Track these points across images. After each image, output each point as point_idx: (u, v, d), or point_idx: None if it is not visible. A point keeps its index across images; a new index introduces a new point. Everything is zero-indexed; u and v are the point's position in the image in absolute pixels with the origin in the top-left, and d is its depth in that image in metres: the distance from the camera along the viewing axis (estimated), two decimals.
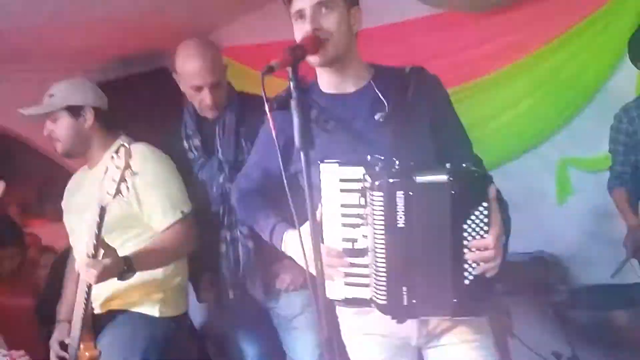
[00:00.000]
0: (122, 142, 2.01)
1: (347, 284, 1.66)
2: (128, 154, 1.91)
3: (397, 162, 1.58)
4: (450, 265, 1.56)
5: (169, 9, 3.54)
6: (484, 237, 1.55)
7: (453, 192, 1.53)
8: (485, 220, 1.54)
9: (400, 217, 1.56)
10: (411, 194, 1.55)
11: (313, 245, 1.51)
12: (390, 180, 1.55)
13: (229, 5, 3.91)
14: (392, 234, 1.56)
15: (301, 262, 1.60)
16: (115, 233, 2.27)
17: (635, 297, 2.77)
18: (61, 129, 2.38)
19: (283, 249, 1.81)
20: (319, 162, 1.63)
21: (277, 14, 2.00)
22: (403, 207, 1.55)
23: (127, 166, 1.91)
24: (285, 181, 1.52)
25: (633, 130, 2.73)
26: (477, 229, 1.55)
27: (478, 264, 1.56)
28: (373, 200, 1.56)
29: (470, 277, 1.56)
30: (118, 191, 1.94)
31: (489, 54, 3.44)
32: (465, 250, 1.55)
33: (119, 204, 2.16)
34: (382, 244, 1.57)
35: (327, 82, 1.81)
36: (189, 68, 2.41)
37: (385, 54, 3.17)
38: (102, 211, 2.00)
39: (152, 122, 2.86)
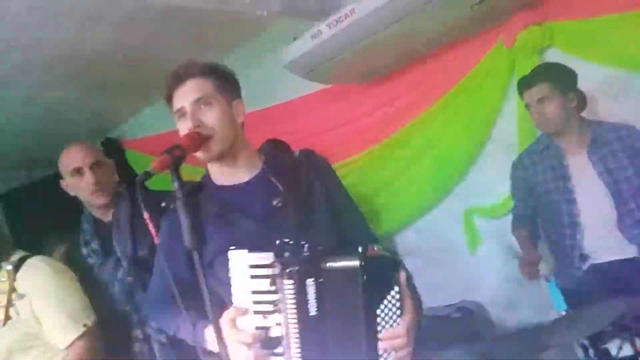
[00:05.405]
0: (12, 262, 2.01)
1: None
2: (11, 277, 1.89)
3: (305, 246, 1.53)
4: (365, 353, 1.51)
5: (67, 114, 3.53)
6: (398, 323, 1.54)
7: (365, 277, 1.50)
8: (398, 304, 1.54)
9: (312, 306, 1.52)
10: (321, 280, 1.52)
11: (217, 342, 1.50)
12: (300, 268, 1.50)
13: (125, 105, 3.94)
14: (305, 322, 1.51)
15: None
16: (17, 355, 2.14)
17: (558, 333, 2.82)
18: None
19: (210, 348, 1.66)
20: (226, 249, 1.56)
21: None
22: (314, 295, 1.51)
23: (12, 289, 1.88)
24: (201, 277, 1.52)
25: (526, 176, 2.87)
26: (390, 313, 1.53)
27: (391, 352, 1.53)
28: (284, 288, 1.51)
29: None
30: (7, 317, 1.89)
31: (378, 122, 3.57)
32: (379, 336, 1.53)
33: (15, 325, 2.04)
34: (296, 332, 1.50)
35: (219, 174, 1.78)
36: (66, 157, 2.44)
37: (279, 131, 3.23)
38: None
39: (53, 229, 2.75)
